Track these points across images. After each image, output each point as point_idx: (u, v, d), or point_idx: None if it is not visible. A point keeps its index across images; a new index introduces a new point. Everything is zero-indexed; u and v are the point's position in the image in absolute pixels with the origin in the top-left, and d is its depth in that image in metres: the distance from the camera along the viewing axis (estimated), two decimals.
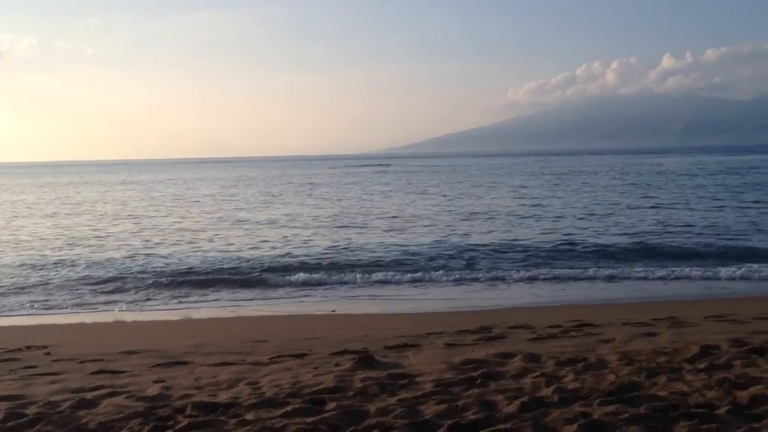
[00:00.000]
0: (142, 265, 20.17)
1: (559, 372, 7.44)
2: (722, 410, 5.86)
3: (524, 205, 38.92)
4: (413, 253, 21.52)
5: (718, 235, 24.48)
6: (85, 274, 18.88)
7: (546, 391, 6.65)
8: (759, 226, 26.75)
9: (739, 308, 12.20)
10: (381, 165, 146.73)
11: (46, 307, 15.37)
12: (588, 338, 9.56)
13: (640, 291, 16.00)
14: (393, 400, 6.59)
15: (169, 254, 22.47)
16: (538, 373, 7.37)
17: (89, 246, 25.13)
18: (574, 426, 5.54)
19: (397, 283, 17.48)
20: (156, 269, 19.46)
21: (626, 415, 5.75)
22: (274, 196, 54.99)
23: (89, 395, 7.04)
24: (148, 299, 16.04)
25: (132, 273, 18.93)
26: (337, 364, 8.19)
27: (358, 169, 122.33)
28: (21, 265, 20.47)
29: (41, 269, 19.76)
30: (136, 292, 16.66)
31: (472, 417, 5.92)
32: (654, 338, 9.38)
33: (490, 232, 27.08)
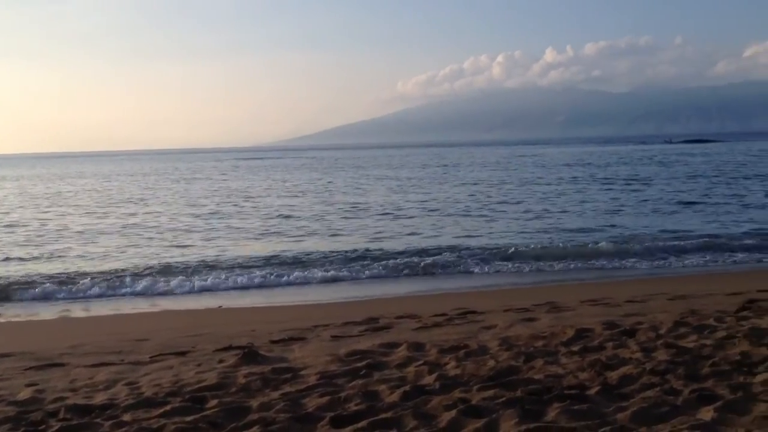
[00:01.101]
0: None
1: (442, 360, 7.58)
2: (593, 391, 6.11)
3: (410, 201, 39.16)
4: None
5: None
6: None
7: (428, 379, 6.76)
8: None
9: (613, 292, 12.75)
10: (269, 159, 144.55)
11: None
12: (471, 325, 9.78)
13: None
14: (276, 394, 6.55)
15: None
16: (421, 362, 7.49)
17: None
18: (453, 412, 5.66)
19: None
20: None
21: (503, 399, 5.93)
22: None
23: None
24: None
25: None
26: (220, 361, 8.07)
27: (247, 162, 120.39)
28: None
29: None
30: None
31: (355, 408, 5.96)
32: (533, 323, 9.70)
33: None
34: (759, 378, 6.28)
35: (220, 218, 31.13)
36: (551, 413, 5.57)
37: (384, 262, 18.05)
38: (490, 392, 6.16)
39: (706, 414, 5.40)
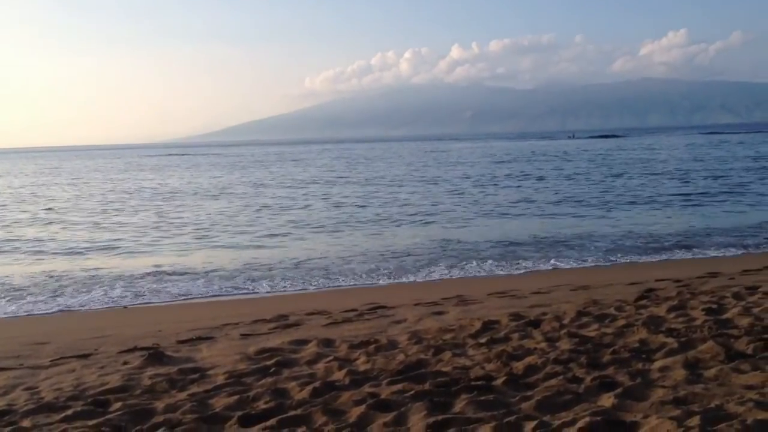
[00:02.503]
0: None
1: (352, 355, 7.61)
2: (499, 381, 6.25)
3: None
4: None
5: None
6: None
7: (338, 375, 6.78)
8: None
9: (520, 284, 13.05)
10: (172, 155, 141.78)
11: None
12: (381, 320, 9.85)
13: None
14: (183, 395, 6.43)
15: None
16: (331, 358, 7.49)
17: None
18: (363, 407, 5.68)
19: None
20: None
21: (412, 392, 5.99)
22: None
23: None
24: None
25: None
26: (125, 363, 7.87)
27: (140, 160, 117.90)
28: None
29: None
30: None
31: (264, 406, 5.91)
32: (442, 316, 9.84)
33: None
34: (657, 365, 6.55)
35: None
36: (459, 405, 5.66)
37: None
38: (399, 386, 6.22)
39: (607, 401, 5.59)
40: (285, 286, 14.90)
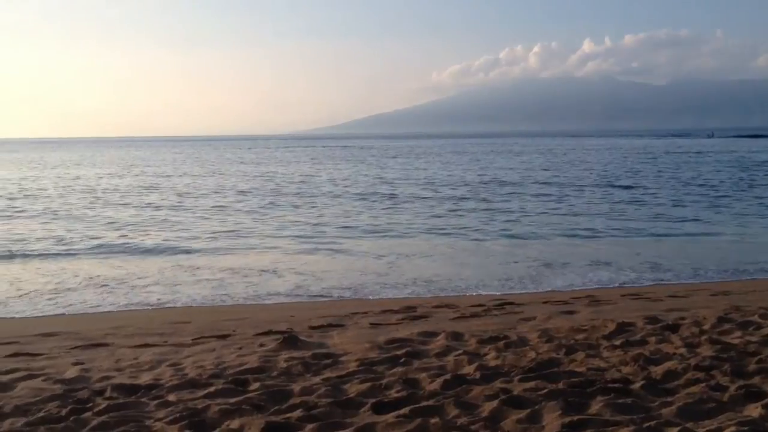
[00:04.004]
0: None
1: (481, 350, 7.58)
2: (637, 385, 6.07)
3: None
4: None
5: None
6: None
7: (468, 369, 6.77)
8: None
9: (653, 287, 12.62)
10: (328, 146, 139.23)
11: None
12: (510, 317, 9.76)
13: None
14: (317, 379, 6.60)
15: None
16: (460, 351, 7.49)
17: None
18: (495, 402, 5.65)
19: None
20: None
21: (545, 390, 5.91)
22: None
23: (4, 378, 6.83)
24: None
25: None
26: (261, 345, 8.15)
27: (310, 150, 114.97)
28: None
29: None
30: None
31: (395, 395, 5.98)
32: (573, 316, 9.65)
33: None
34: None
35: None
36: (595, 406, 5.54)
37: None
38: (532, 383, 6.15)
39: (754, 411, 5.33)
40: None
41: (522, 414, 5.40)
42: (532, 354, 7.28)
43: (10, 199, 33.79)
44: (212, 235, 21.22)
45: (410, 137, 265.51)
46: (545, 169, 53.08)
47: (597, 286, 13.11)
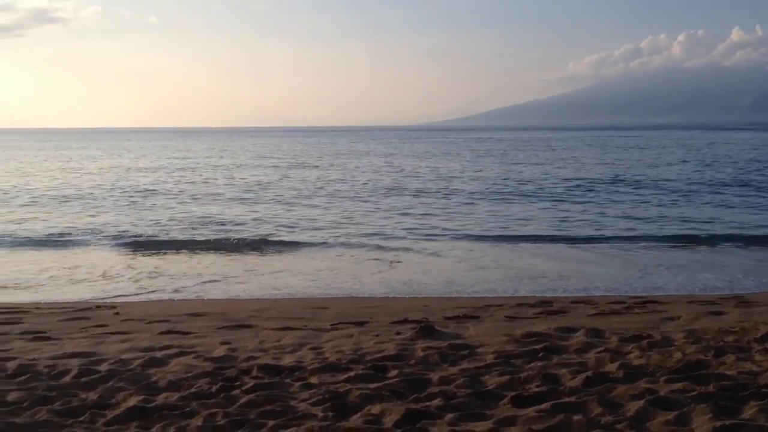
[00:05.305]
0: None
1: (624, 348, 7.37)
2: None
3: None
4: None
5: None
6: None
7: (610, 367, 6.59)
8: None
9: None
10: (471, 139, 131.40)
11: None
12: (652, 315, 9.42)
13: None
14: (455, 369, 6.62)
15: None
16: (601, 349, 7.30)
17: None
18: (641, 402, 5.48)
19: None
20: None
21: (694, 392, 5.68)
22: None
23: (159, 354, 7.25)
24: None
25: None
26: (397, 333, 8.25)
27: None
28: None
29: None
30: None
31: (536, 389, 5.91)
32: (721, 317, 9.21)
33: None
34: None
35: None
36: (748, 411, 5.27)
37: None
38: (679, 385, 5.93)
39: None
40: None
41: (670, 416, 5.21)
42: (678, 355, 7.01)
43: None
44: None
45: (548, 129, 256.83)
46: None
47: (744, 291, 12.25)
